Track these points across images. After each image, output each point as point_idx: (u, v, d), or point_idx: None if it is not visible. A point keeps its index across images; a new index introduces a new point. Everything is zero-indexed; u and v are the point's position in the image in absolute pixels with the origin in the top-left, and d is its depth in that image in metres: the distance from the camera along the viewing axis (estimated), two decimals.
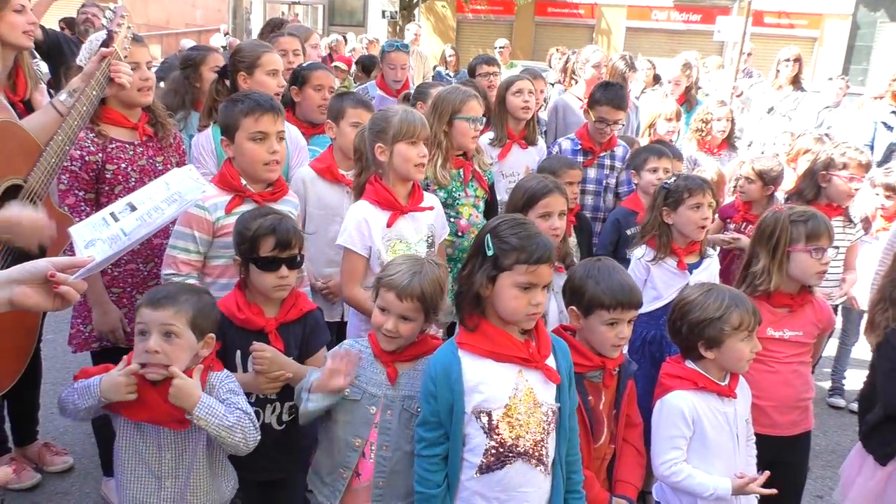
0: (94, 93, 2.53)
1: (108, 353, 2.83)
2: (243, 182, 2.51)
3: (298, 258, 2.27)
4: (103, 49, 2.58)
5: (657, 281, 2.96)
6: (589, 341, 2.23)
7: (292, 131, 3.21)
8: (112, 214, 1.78)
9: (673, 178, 3.02)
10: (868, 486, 2.53)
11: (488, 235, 1.90)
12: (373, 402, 2.07)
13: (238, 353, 2.23)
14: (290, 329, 2.28)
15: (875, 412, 2.53)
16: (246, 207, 2.47)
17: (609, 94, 3.89)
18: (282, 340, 2.23)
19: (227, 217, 2.45)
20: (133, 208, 1.80)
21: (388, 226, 2.56)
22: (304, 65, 3.66)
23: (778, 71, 6.35)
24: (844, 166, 3.50)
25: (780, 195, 4.11)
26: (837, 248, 3.11)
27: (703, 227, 2.94)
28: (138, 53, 2.77)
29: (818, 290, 2.75)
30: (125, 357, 1.95)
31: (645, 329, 2.96)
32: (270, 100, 2.57)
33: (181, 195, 1.91)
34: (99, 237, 1.70)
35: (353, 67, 7.72)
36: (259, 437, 2.01)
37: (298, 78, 3.51)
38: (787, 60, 6.28)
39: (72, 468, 3.28)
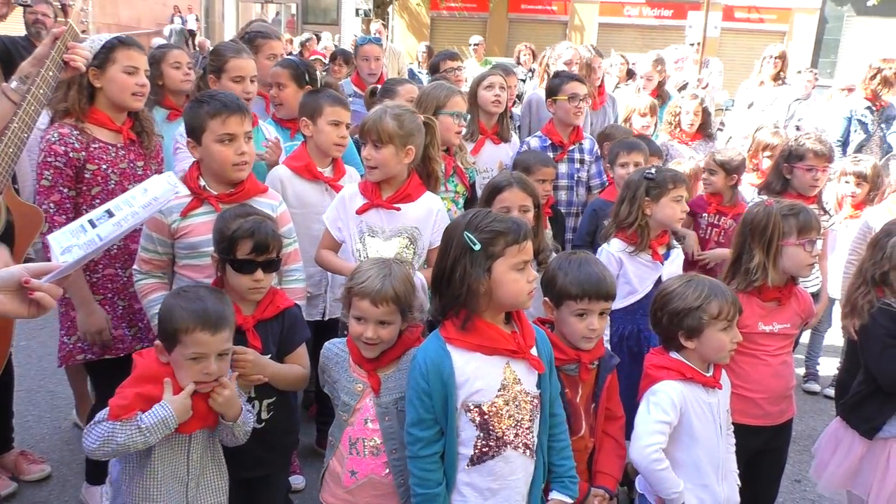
0: (51, 73, 2.37)
1: (97, 364, 2.75)
2: (202, 184, 2.47)
3: (276, 261, 2.25)
4: (54, 30, 2.43)
5: (631, 275, 2.93)
6: (563, 333, 2.25)
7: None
8: (90, 221, 1.79)
9: (654, 169, 2.99)
10: (844, 465, 2.60)
11: (465, 232, 1.87)
12: (345, 410, 2.09)
13: None
14: (268, 326, 2.26)
15: (856, 390, 2.58)
16: (204, 210, 2.44)
17: (563, 75, 4.02)
18: (259, 338, 2.22)
19: (184, 220, 2.43)
20: (111, 214, 1.81)
21: (358, 213, 2.66)
22: None
23: (762, 68, 6.43)
24: (801, 157, 3.52)
25: (750, 189, 4.15)
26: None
27: (681, 220, 2.96)
28: (139, 59, 2.71)
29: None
30: (167, 380, 1.94)
31: (621, 325, 2.95)
32: (237, 100, 2.52)
33: (157, 199, 1.93)
34: (76, 243, 1.70)
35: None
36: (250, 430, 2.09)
37: None
38: (772, 57, 6.36)
39: (49, 476, 3.23)
